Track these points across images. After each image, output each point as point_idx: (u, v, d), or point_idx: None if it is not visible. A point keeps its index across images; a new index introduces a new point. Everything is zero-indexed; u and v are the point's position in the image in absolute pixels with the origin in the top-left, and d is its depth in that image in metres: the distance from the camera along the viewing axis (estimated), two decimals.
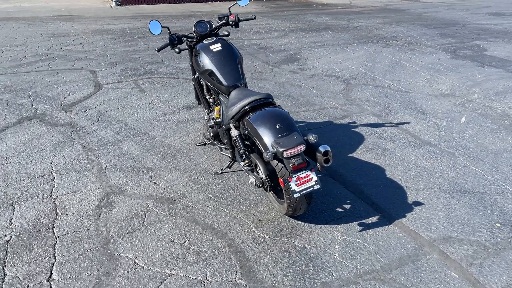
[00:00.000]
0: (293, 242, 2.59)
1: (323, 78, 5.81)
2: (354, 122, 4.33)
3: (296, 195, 2.39)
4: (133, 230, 2.69)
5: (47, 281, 2.28)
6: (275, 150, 2.37)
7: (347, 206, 2.95)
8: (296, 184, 2.39)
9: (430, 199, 3.02)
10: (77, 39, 8.15)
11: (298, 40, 8.26)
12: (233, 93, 2.98)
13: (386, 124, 4.29)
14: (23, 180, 3.22)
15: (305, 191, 2.41)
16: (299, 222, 2.79)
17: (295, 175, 2.39)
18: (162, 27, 3.21)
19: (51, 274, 2.33)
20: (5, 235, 2.62)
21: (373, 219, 2.82)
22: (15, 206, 2.91)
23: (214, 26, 3.43)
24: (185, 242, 2.59)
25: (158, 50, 3.20)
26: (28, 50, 7.24)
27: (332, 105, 4.81)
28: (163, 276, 2.32)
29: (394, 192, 3.11)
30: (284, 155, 2.34)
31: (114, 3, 12.58)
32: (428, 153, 3.69)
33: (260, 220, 2.80)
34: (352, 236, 2.65)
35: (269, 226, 2.74)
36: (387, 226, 2.75)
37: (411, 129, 4.19)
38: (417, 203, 2.98)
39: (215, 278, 2.30)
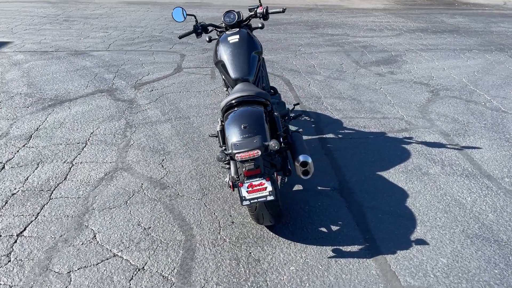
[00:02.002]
0: (250, 252, 2.41)
1: (409, 85, 5.20)
2: (410, 138, 3.80)
3: (245, 203, 2.21)
4: (113, 206, 2.80)
5: (17, 235, 2.53)
6: (231, 151, 2.22)
7: (335, 228, 2.63)
8: (247, 191, 2.21)
9: (441, 241, 2.50)
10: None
11: (409, 41, 7.52)
12: (236, 87, 2.87)
13: (448, 146, 3.66)
14: (60, 144, 3.60)
15: (255, 200, 2.22)
16: (271, 233, 2.58)
17: (248, 181, 2.21)
18: (187, 15, 3.22)
19: (24, 230, 2.58)
20: (15, 189, 2.97)
21: (355, 248, 2.46)
22: (40, 165, 3.27)
23: (242, 17, 3.31)
24: (149, 228, 2.61)
25: (180, 37, 3.24)
26: (145, 31, 7.99)
27: (398, 115, 4.29)
28: (107, 256, 2.38)
29: (401, 223, 2.66)
30: (236, 157, 2.18)
31: None
32: (478, 187, 3.04)
33: (233, 222, 2.67)
34: (316, 261, 2.35)
35: (237, 230, 2.59)
36: (365, 259, 2.37)
37: (477, 156, 3.50)
38: (421, 242, 2.50)
39: (150, 269, 2.28)
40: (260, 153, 2.16)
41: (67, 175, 3.16)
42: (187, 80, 5.24)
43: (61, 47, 6.62)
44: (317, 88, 5.03)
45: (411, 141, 3.75)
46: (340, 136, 3.84)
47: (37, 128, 3.87)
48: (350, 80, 5.33)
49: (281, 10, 3.26)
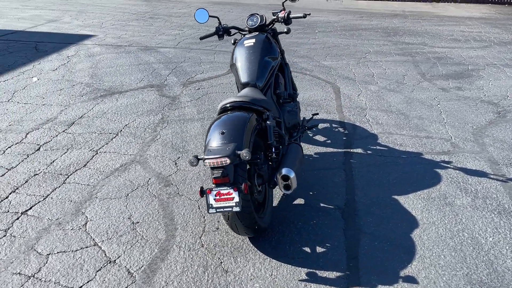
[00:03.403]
0: (221, 262, 2.36)
1: (473, 104, 4.68)
2: (449, 162, 3.42)
3: (211, 211, 2.16)
4: (114, 197, 2.92)
5: (21, 213, 2.75)
6: (203, 156, 2.18)
7: (320, 249, 2.46)
8: (214, 199, 2.15)
9: (435, 282, 2.21)
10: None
11: (495, 55, 6.77)
12: (241, 91, 2.82)
13: (491, 176, 3.23)
14: (94, 132, 3.84)
15: (222, 210, 2.15)
16: (251, 245, 2.49)
17: (216, 189, 2.15)
18: (210, 16, 3.23)
19: (29, 209, 2.79)
20: (39, 170, 3.24)
21: (333, 274, 2.28)
22: (69, 150, 3.53)
23: (266, 21, 3.23)
24: (137, 223, 2.68)
25: (201, 38, 3.26)
26: None
27: (446, 136, 3.88)
28: (88, 244, 2.48)
29: (396, 255, 2.40)
30: (205, 163, 2.14)
31: None
32: (508, 228, 2.64)
33: (217, 228, 2.63)
34: (284, 282, 2.23)
35: (219, 237, 2.54)
36: None
37: None
38: (409, 280, 2.23)
39: (120, 263, 2.34)
40: (228, 161, 2.09)
41: (87, 162, 3.35)
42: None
43: (134, 42, 7.07)
44: (365, 99, 4.75)
45: (448, 165, 3.36)
46: (369, 152, 3.58)
47: (81, 116, 4.17)
48: (406, 93, 4.95)
49: (302, 15, 3.13)
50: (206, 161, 2.12)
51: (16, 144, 3.61)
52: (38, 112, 4.24)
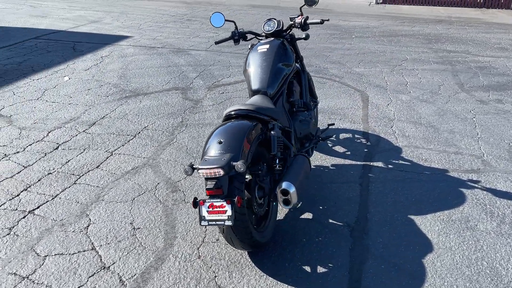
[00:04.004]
0: (215, 276, 2.27)
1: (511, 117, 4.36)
2: (477, 182, 3.17)
3: (203, 223, 2.08)
4: (120, 200, 2.91)
5: (28, 212, 2.78)
6: (198, 165, 2.11)
7: (321, 270, 2.32)
8: (207, 211, 2.07)
9: None
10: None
11: None
12: (250, 99, 2.73)
13: None
14: (113, 133, 3.87)
15: (214, 223, 2.07)
16: (249, 259, 2.39)
17: (210, 201, 2.07)
18: (226, 20, 3.15)
19: (37, 208, 2.83)
20: (53, 169, 3.28)
21: None
22: (85, 151, 3.56)
23: (283, 26, 3.12)
24: (138, 228, 2.64)
25: (216, 43, 3.19)
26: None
27: (477, 152, 3.62)
28: (86, 247, 2.47)
29: (402, 281, 2.23)
30: (199, 173, 2.06)
31: (374, 1, 12.44)
32: None
33: (218, 239, 2.55)
34: None
35: (217, 249, 2.46)
36: None
37: None
38: None
39: (114, 270, 2.30)
40: (222, 172, 2.01)
41: (101, 163, 3.37)
42: None
43: (168, 44, 7.13)
44: (394, 109, 4.52)
45: (476, 185, 3.11)
46: (390, 166, 3.38)
47: (103, 117, 4.22)
48: (439, 105, 4.67)
49: (320, 21, 2.99)
50: (200, 171, 2.05)
51: (37, 142, 3.69)
52: (63, 111, 4.33)
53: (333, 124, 3.50)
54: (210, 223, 2.07)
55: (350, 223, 2.70)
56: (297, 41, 3.24)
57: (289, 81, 3.01)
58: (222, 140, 2.17)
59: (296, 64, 3.25)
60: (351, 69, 5.96)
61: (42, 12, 10.05)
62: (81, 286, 2.19)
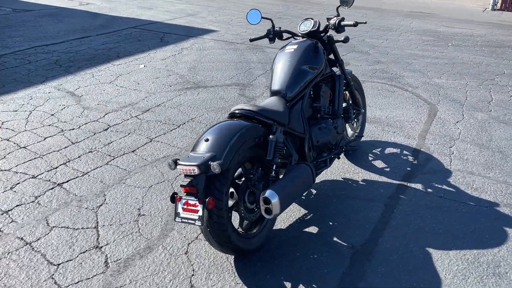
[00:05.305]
0: (193, 274, 2.25)
1: None
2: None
3: (177, 219, 2.07)
4: (139, 185, 3.02)
5: (58, 184, 3.03)
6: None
7: (313, 286, 2.16)
8: (182, 208, 2.06)
9: None
10: (393, 35, 8.10)
11: None
12: (265, 100, 2.64)
13: None
14: (160, 121, 4.03)
15: (186, 221, 2.04)
16: (233, 264, 2.33)
17: (186, 198, 2.05)
18: (263, 18, 3.09)
19: (66, 182, 3.06)
20: (95, 148, 3.53)
21: None
22: (129, 134, 3.76)
23: (319, 27, 2.95)
24: (143, 215, 2.72)
25: (251, 40, 3.14)
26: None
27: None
28: (91, 225, 2.61)
29: None
30: (177, 168, 2.05)
31: (490, 7, 11.20)
32: None
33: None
34: None
35: (206, 249, 2.43)
36: None
37: None
38: None
39: (104, 249, 2.40)
40: (197, 171, 1.97)
41: (137, 148, 3.53)
42: None
43: (247, 41, 7.21)
44: (462, 128, 4.04)
45: (505, 214, 2.65)
46: (429, 190, 3.03)
47: (158, 105, 4.42)
48: (485, 117, 4.07)
49: (353, 23, 2.77)
50: (178, 166, 2.03)
51: (92, 122, 3.99)
52: (126, 95, 4.62)
53: (362, 136, 3.22)
54: (183, 220, 2.04)
55: (355, 245, 2.47)
56: (336, 44, 3.05)
57: (318, 85, 2.84)
58: (209, 138, 2.13)
59: (335, 68, 3.06)
60: (431, 79, 5.45)
61: (150, 4, 10.82)
62: (70, 260, 2.32)
